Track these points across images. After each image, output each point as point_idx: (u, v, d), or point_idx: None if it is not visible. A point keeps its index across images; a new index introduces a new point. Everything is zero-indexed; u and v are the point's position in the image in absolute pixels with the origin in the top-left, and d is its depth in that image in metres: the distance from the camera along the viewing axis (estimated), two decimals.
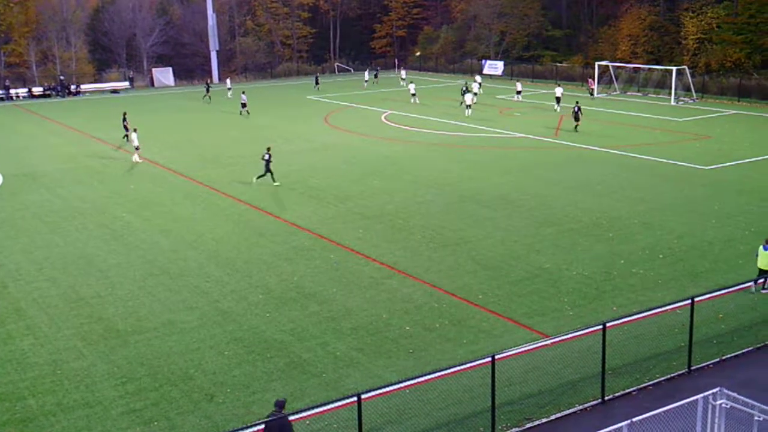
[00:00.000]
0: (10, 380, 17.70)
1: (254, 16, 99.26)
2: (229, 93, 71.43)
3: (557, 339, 18.17)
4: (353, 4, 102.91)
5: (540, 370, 17.37)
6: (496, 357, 14.92)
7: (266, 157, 35.42)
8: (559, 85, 61.06)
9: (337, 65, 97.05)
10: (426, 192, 34.00)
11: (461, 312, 20.98)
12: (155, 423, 15.81)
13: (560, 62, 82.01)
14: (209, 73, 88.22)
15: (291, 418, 15.08)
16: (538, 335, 19.18)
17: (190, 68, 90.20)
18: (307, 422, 15.30)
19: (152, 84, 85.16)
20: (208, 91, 69.67)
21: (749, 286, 21.55)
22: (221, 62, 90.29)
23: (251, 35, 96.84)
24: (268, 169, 35.44)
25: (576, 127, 48.20)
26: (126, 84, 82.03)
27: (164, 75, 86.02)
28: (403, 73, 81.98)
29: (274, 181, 35.73)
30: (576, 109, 48.64)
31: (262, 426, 13.39)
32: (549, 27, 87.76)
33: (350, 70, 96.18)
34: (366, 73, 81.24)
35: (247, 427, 14.34)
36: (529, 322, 20.16)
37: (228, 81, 74.56)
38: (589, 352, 17.40)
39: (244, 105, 59.62)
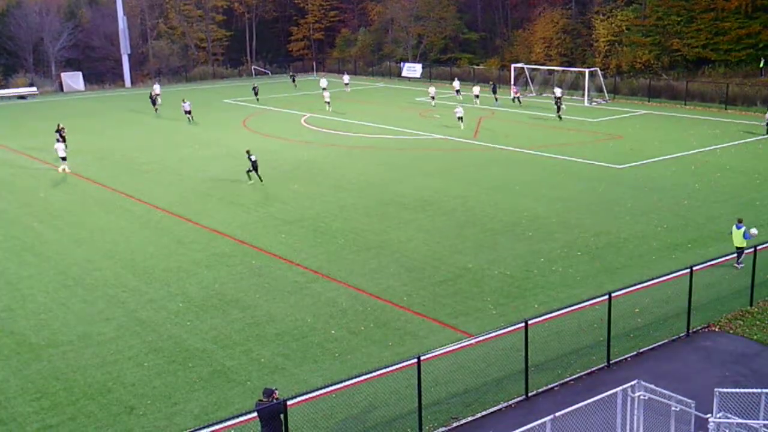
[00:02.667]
0: None
1: (167, 19, 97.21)
2: (158, 99, 68.11)
3: (481, 338, 18.36)
4: (269, 7, 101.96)
5: (465, 369, 17.52)
6: (422, 358, 14.98)
7: (252, 158, 36.21)
8: (559, 86, 62.49)
9: (254, 68, 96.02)
10: (347, 195, 33.92)
11: (386, 314, 20.98)
12: None
13: (477, 65, 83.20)
14: (121, 77, 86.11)
15: (216, 427, 14.80)
16: (462, 335, 19.34)
17: (101, 72, 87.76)
18: (233, 431, 15.02)
19: (61, 89, 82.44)
20: (155, 103, 64.02)
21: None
22: (133, 66, 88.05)
23: (164, 38, 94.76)
24: (255, 168, 36.26)
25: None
26: (33, 89, 79.09)
27: (74, 80, 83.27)
28: (346, 78, 76.05)
29: (249, 179, 36.52)
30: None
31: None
32: (465, 30, 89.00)
33: (268, 73, 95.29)
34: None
35: None
36: (454, 323, 20.32)
37: (156, 87, 69.97)
38: (513, 349, 17.65)
39: (188, 112, 56.74)
